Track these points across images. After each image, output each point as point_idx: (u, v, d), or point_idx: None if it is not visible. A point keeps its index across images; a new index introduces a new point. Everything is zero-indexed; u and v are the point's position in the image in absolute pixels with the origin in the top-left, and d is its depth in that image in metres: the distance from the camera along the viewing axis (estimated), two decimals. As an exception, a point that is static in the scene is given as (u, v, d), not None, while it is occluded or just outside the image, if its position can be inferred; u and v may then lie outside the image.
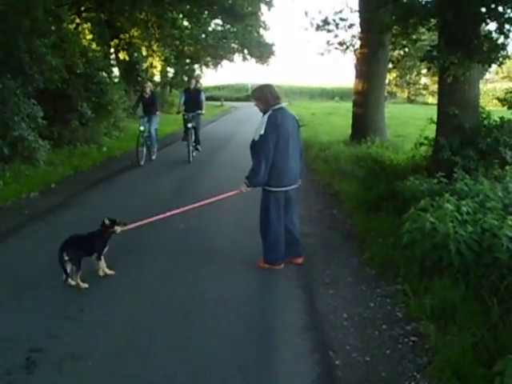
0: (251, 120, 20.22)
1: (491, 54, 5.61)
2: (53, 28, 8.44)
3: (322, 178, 7.43)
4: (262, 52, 25.65)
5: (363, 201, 5.55)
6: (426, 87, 36.09)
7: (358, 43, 10.27)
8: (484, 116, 6.36)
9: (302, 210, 5.24)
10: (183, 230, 4.98)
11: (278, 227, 3.88)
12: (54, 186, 7.15)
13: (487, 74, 28.79)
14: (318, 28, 10.34)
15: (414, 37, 7.19)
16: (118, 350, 2.74)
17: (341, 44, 10.15)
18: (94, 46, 13.38)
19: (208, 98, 37.31)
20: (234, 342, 2.85)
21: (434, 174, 5.25)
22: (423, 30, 7.43)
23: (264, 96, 3.79)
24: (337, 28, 10.06)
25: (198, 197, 6.54)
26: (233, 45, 24.49)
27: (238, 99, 41.94)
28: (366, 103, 10.14)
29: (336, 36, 10.16)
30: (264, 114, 3.78)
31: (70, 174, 7.98)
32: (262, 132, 3.65)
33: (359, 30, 10.24)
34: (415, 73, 32.72)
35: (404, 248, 3.81)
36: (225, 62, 28.01)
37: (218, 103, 33.45)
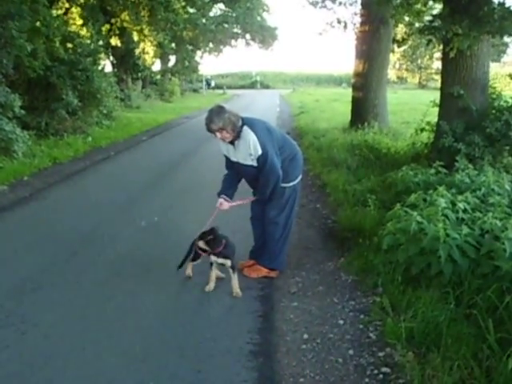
0: (252, 107, 19.57)
1: (503, 22, 4.85)
2: (26, 10, 7.86)
3: (312, 167, 6.78)
4: (264, 36, 24.79)
5: (351, 194, 4.92)
6: (438, 72, 34.60)
7: (358, 21, 9.49)
8: (494, 97, 5.64)
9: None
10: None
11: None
12: (27, 178, 6.70)
13: (505, 56, 27.45)
14: (316, 5, 9.57)
15: (418, 7, 6.40)
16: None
17: (339, 22, 9.37)
18: (84, 31, 12.81)
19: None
20: (159, 371, 2.30)
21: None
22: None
23: (228, 120, 2.98)
24: (334, 3, 9.27)
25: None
26: (234, 30, 23.68)
27: (242, 87, 42.20)
28: (366, 86, 9.38)
29: (334, 13, 9.39)
30: (236, 139, 3.05)
31: (48, 166, 7.52)
32: (260, 152, 2.98)
33: (360, 6, 9.47)
34: (427, 57, 31.41)
35: (386, 252, 3.20)
36: (227, 49, 27.34)
37: (221, 91, 32.90)
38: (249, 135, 3.00)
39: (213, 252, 3.10)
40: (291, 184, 3.26)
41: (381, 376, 2.28)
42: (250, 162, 3.09)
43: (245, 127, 3.03)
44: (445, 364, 2.18)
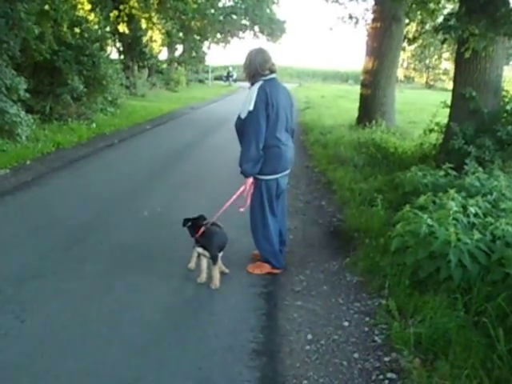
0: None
1: None
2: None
3: (317, 164, 6.71)
4: (273, 29, 24.56)
5: (358, 192, 4.85)
6: (446, 72, 34.23)
7: (370, 17, 9.36)
8: (506, 100, 5.54)
9: (288, 200, 4.55)
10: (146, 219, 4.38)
11: (274, 223, 3.25)
12: (30, 162, 6.64)
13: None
14: (328, -1, 9.42)
15: (432, 6, 6.27)
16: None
17: (351, 17, 9.22)
18: (92, 16, 12.65)
19: (217, 78, 36.86)
20: (157, 370, 2.25)
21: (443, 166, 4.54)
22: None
23: (248, 66, 3.08)
24: (348, -1, 9.13)
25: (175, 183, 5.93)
26: (243, 21, 23.43)
27: (248, 79, 41.60)
28: (374, 83, 9.24)
29: (345, 8, 9.25)
30: (252, 85, 3.09)
31: (51, 151, 7.46)
32: (251, 108, 2.97)
33: (373, 2, 9.32)
34: (436, 57, 31.09)
35: (394, 254, 3.14)
36: (235, 41, 27.11)
37: (226, 83, 32.71)
38: (254, 89, 3.03)
39: (194, 238, 3.05)
40: (263, 177, 3.11)
41: (386, 382, 2.22)
42: (241, 112, 3.06)
43: (260, 81, 3.04)
44: (453, 373, 2.12)
